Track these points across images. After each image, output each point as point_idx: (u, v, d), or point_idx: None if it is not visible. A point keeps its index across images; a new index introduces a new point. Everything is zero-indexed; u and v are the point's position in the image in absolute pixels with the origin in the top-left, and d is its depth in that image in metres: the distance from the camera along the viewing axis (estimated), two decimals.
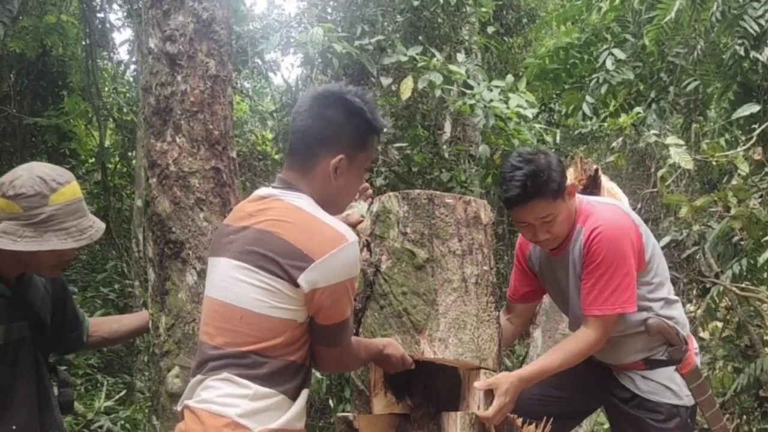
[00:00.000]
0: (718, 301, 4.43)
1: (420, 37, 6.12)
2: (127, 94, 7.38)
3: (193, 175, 2.08)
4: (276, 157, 6.90)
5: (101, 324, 2.35)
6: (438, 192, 2.23)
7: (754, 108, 4.51)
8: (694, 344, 2.46)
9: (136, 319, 2.39)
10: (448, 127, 6.10)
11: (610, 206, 2.35)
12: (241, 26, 6.37)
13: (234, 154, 2.22)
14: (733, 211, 4.11)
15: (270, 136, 7.26)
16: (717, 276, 4.56)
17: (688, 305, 4.73)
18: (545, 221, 2.21)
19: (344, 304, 1.68)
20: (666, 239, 4.48)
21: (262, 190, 1.79)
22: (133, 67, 7.13)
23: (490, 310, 2.19)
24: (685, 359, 2.37)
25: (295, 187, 1.74)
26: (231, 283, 1.67)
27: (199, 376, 1.67)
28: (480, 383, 2.08)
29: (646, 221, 5.77)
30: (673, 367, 2.37)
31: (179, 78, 2.14)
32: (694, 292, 4.93)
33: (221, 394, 1.61)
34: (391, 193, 2.23)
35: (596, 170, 2.74)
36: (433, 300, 2.10)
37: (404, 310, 2.10)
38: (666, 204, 4.64)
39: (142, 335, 3.23)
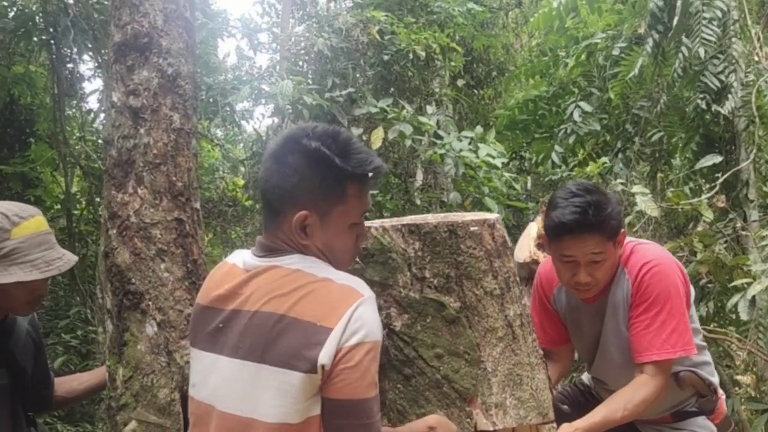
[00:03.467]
0: None
1: (391, 90, 6.23)
2: (97, 142, 7.35)
3: (154, 226, 2.04)
4: (246, 203, 6.87)
5: (61, 384, 2.25)
6: (458, 219, 1.77)
7: (717, 159, 4.63)
8: (720, 390, 2.28)
9: (97, 375, 2.28)
10: (419, 175, 6.15)
11: (652, 245, 2.16)
12: (213, 77, 6.41)
13: (198, 206, 2.18)
14: (699, 256, 4.17)
15: (241, 182, 7.25)
16: None
17: None
18: (594, 260, 1.98)
19: (366, 373, 1.33)
20: None
21: (241, 259, 1.50)
22: (102, 115, 7.11)
23: (538, 349, 1.85)
24: (717, 409, 2.21)
25: (280, 249, 1.46)
26: (241, 392, 1.37)
27: None
28: None
29: None
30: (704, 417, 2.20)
31: (142, 131, 2.12)
32: None
33: None
34: (386, 225, 1.73)
35: None
36: (477, 358, 1.69)
37: (444, 378, 1.67)
38: None
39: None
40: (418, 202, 5.95)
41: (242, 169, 6.85)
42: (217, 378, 1.42)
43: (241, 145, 9.49)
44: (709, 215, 4.37)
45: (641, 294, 2.00)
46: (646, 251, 2.06)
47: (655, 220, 4.77)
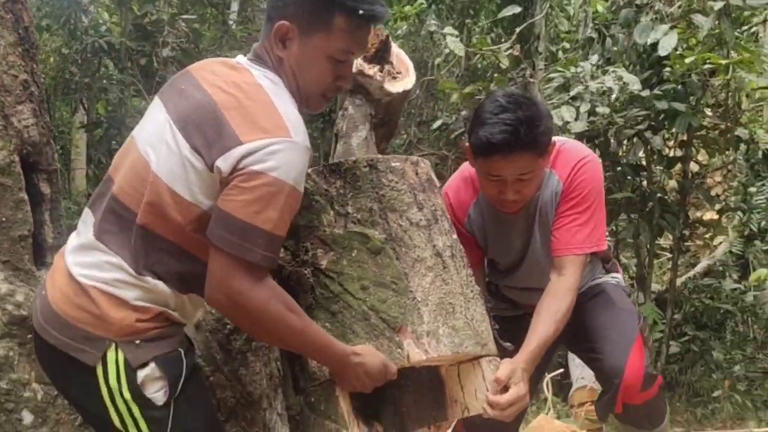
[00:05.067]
0: None
1: None
2: None
3: None
4: None
5: None
6: (378, 155, 1.79)
7: (516, 9, 5.13)
8: None
9: None
10: (235, 6, 6.00)
11: (575, 142, 2.10)
12: None
13: None
14: None
15: None
16: None
17: None
18: (521, 179, 1.85)
19: (257, 201, 1.34)
20: (438, 122, 5.02)
21: (240, 58, 1.55)
22: None
23: (472, 284, 1.79)
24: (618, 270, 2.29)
25: (265, 62, 1.50)
26: (159, 147, 1.43)
27: (93, 239, 1.46)
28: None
29: (422, 108, 6.37)
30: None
31: None
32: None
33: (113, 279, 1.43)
34: (308, 171, 1.67)
35: (387, 36, 2.98)
36: (405, 287, 1.65)
37: (371, 309, 1.64)
38: (441, 90, 5.14)
39: None
40: (237, 36, 5.86)
41: None
42: (150, 123, 1.50)
43: None
44: (505, 62, 4.90)
45: (573, 189, 1.95)
46: (573, 150, 2.01)
47: (459, 65, 5.24)
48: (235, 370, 2.11)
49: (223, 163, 1.34)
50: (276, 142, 1.35)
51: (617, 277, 2.29)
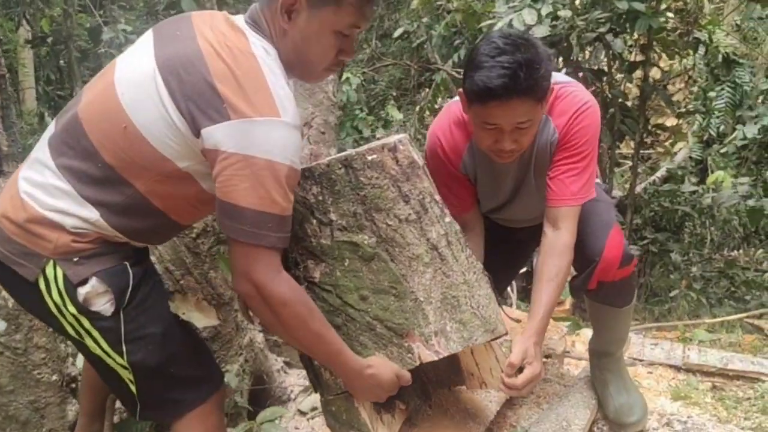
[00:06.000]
0: (442, 86, 5.08)
1: None
2: None
3: None
4: None
5: None
6: (351, 151, 1.63)
7: None
8: None
9: None
10: None
11: (573, 84, 1.95)
12: None
13: None
14: (455, 5, 4.63)
15: None
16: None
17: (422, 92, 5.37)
18: (519, 127, 1.74)
19: (258, 186, 1.31)
20: (400, 30, 4.92)
21: (239, 19, 1.48)
22: None
23: (474, 265, 1.69)
24: None
25: (262, 28, 1.45)
26: (139, 93, 1.37)
27: (48, 155, 1.42)
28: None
29: (383, 21, 6.20)
30: None
31: None
32: (423, 78, 5.56)
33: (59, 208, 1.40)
34: None
35: None
36: (405, 290, 1.60)
37: (375, 319, 1.61)
38: None
39: None
40: None
41: None
42: (134, 60, 1.43)
43: None
44: None
45: (570, 138, 1.88)
46: (572, 95, 1.90)
47: None
48: (205, 273, 2.12)
49: (209, 134, 1.31)
50: (265, 122, 1.31)
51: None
